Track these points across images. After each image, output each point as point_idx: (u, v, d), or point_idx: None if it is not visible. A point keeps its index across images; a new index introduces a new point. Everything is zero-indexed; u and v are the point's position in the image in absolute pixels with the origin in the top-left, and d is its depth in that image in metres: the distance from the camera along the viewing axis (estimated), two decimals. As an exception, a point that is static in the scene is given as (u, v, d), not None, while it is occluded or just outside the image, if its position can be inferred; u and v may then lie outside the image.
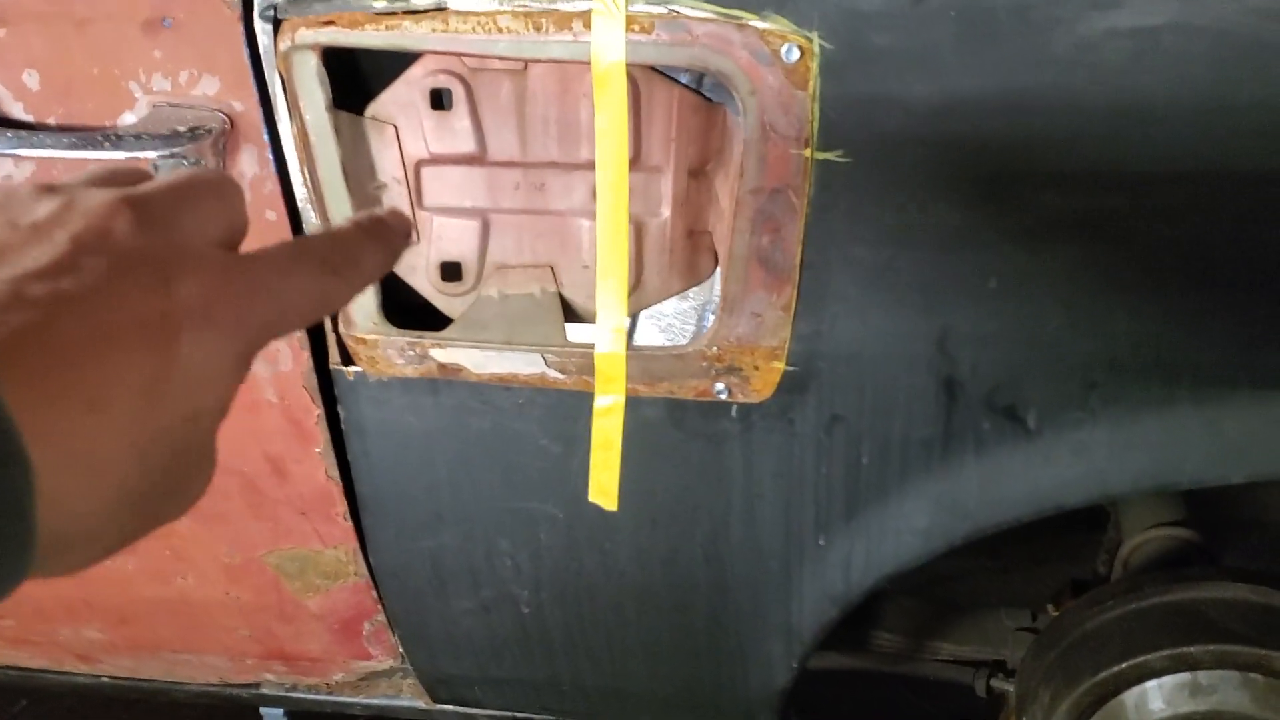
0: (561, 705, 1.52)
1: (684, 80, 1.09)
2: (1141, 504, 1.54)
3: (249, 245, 0.47)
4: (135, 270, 0.41)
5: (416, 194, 1.13)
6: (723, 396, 1.13)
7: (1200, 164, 0.94)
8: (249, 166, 1.09)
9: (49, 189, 0.44)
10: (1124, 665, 1.30)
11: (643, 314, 1.24)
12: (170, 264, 0.42)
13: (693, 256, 1.17)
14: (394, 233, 0.53)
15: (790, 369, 1.10)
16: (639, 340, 1.25)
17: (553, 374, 1.14)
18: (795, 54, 0.94)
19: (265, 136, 1.07)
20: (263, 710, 1.84)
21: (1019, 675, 1.48)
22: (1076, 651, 1.35)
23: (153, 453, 0.41)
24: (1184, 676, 1.30)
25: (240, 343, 0.43)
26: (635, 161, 1.11)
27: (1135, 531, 1.53)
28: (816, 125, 0.97)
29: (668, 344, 1.21)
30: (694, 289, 1.21)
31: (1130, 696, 1.32)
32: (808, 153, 0.98)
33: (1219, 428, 1.05)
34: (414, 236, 0.49)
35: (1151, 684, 1.31)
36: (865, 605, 1.72)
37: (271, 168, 1.09)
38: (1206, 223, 0.97)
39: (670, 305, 1.23)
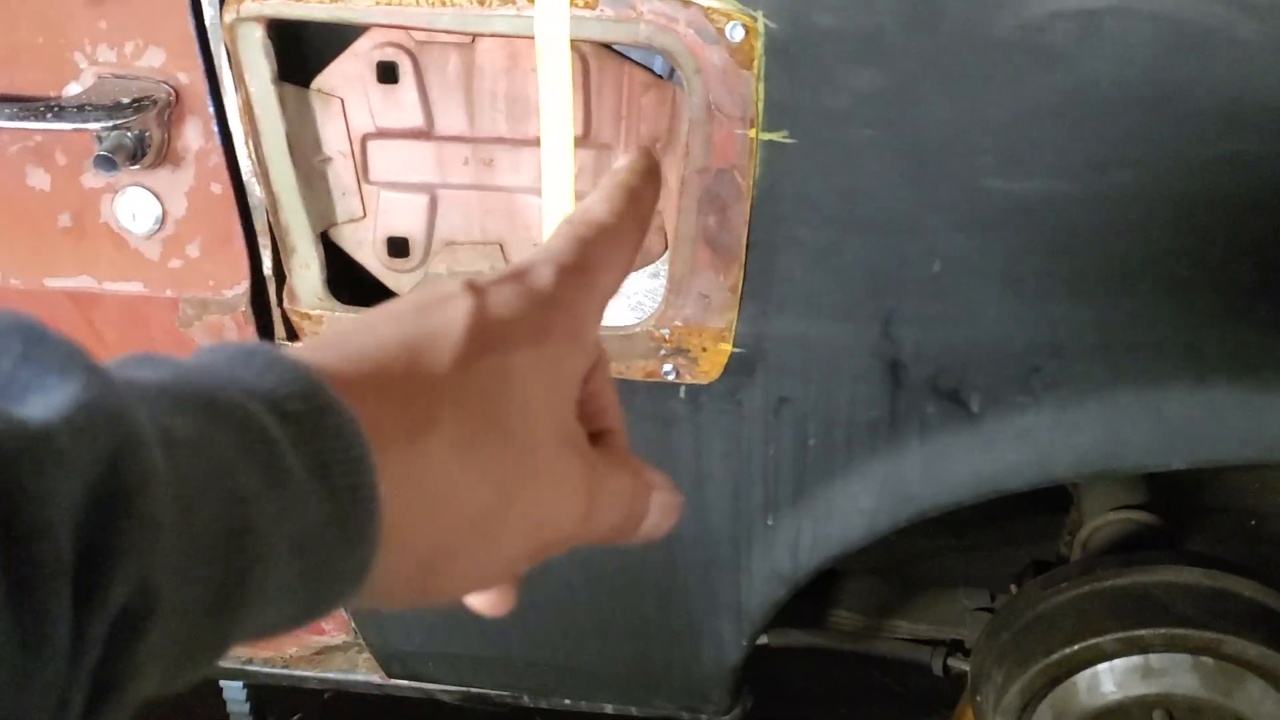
0: (516, 682, 1.52)
1: (658, 66, 1.09)
2: (1102, 487, 1.54)
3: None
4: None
5: (363, 168, 1.12)
6: (671, 377, 1.12)
7: (1144, 149, 0.94)
8: (194, 139, 1.08)
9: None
10: (1076, 647, 1.30)
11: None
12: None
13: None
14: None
15: (738, 350, 1.09)
16: (609, 319, 1.24)
17: (500, 352, 1.13)
18: (740, 33, 0.94)
19: (210, 109, 1.06)
20: (222, 683, 1.85)
21: (974, 655, 1.49)
22: (1029, 633, 1.36)
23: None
24: (1135, 659, 1.31)
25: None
26: (585, 139, 1.10)
27: (1095, 514, 1.54)
28: (762, 105, 0.96)
29: (616, 324, 1.20)
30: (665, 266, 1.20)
31: (1082, 679, 1.33)
32: (753, 133, 0.98)
33: (1161, 413, 1.05)
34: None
35: (1103, 666, 1.31)
36: (825, 583, 1.73)
37: (216, 140, 1.08)
38: (1149, 208, 0.97)
39: (642, 283, 1.22)
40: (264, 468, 0.36)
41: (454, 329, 0.44)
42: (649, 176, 0.54)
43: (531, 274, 0.48)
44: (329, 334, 0.44)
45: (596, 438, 0.50)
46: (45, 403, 0.30)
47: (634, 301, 1.25)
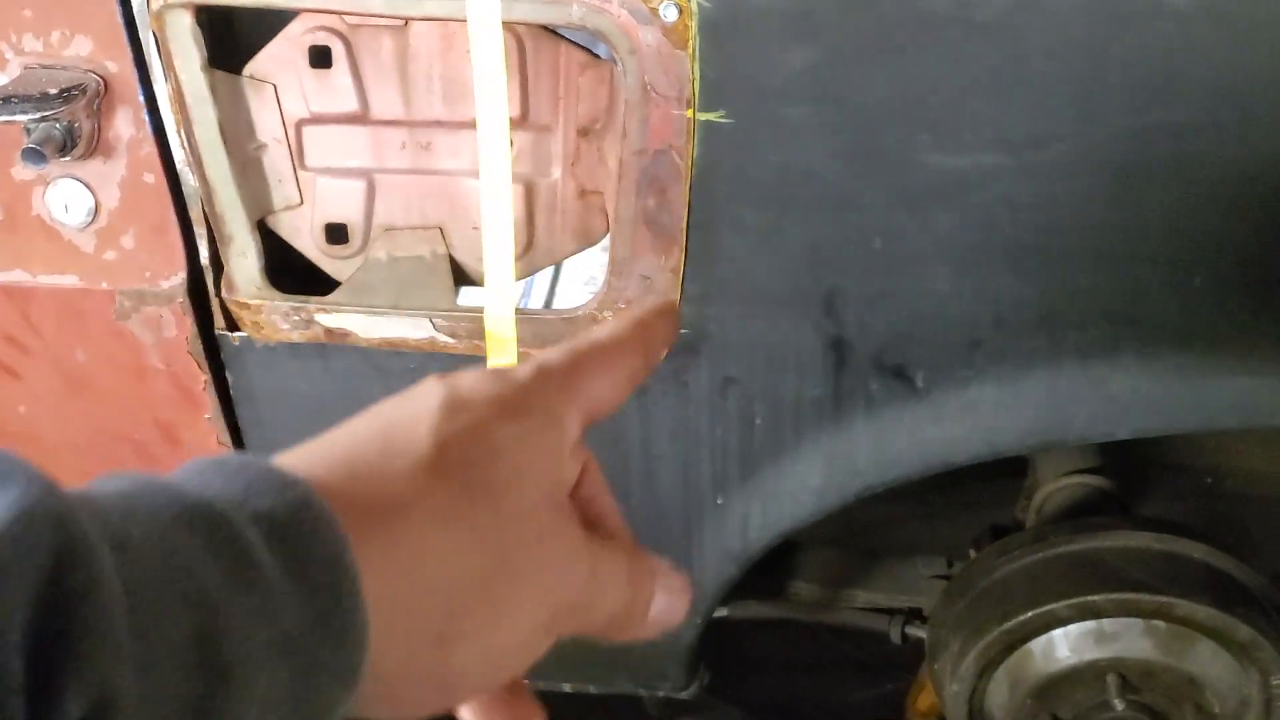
0: (473, 663, 1.51)
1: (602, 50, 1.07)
2: (1056, 451, 1.54)
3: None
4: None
5: (298, 154, 1.11)
6: (616, 358, 1.11)
7: (1079, 121, 0.94)
8: (125, 128, 1.06)
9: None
10: (1030, 614, 1.31)
11: (570, 273, 1.23)
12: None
13: (585, 217, 1.15)
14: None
15: (682, 332, 1.09)
16: (564, 301, 1.23)
17: (442, 338, 1.12)
18: (674, 12, 0.93)
19: (141, 98, 1.04)
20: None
21: (930, 623, 1.50)
22: (985, 600, 1.37)
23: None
24: (1089, 625, 1.32)
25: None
26: (523, 120, 1.09)
27: (1049, 479, 1.54)
28: (698, 85, 0.96)
29: (561, 306, 1.20)
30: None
31: (1037, 644, 1.34)
32: (690, 113, 0.97)
33: (1104, 384, 1.05)
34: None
35: (1057, 632, 1.33)
36: (783, 555, 1.73)
37: (148, 129, 1.06)
38: (1087, 180, 0.97)
39: (598, 258, 1.22)
40: (232, 569, 0.35)
41: (427, 406, 0.44)
42: (664, 315, 0.53)
43: (509, 370, 0.47)
44: (312, 442, 0.43)
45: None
46: None
47: (587, 276, 1.24)
